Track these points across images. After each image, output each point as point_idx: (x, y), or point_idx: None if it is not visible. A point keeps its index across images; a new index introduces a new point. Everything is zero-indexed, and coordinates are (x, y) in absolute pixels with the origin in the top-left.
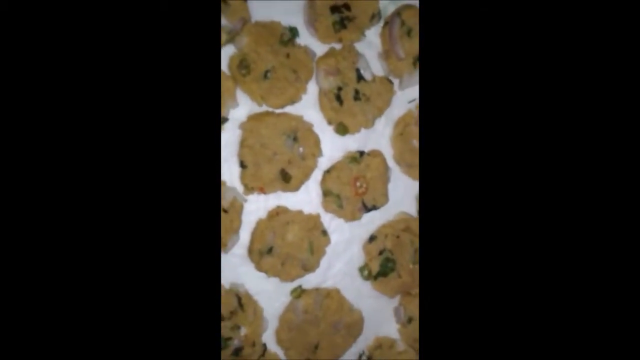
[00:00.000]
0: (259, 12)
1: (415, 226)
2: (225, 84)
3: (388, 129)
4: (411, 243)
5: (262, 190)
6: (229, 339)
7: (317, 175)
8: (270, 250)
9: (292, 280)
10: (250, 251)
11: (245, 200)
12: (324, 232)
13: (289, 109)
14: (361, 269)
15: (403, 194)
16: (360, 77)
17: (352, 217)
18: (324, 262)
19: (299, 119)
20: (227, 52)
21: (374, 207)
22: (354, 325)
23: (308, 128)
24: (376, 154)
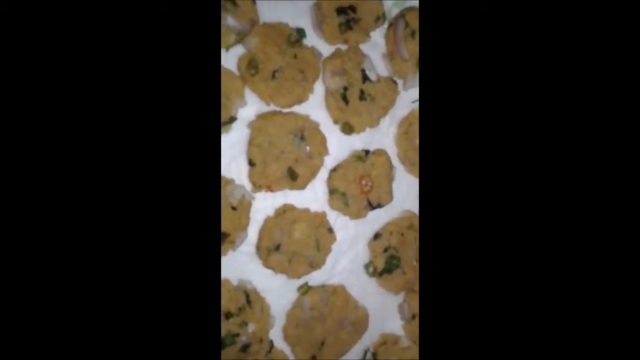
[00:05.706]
0: (267, 13)
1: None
2: (234, 84)
3: (392, 128)
4: (415, 240)
5: (270, 188)
6: (237, 335)
7: (323, 174)
8: (277, 248)
9: (299, 277)
10: (258, 248)
11: (254, 198)
12: (330, 230)
13: (296, 109)
14: (366, 266)
15: (407, 192)
16: (365, 78)
17: (358, 214)
18: (330, 259)
19: (305, 118)
20: (236, 53)
21: (379, 205)
22: (359, 322)
23: (315, 127)
24: (381, 152)
